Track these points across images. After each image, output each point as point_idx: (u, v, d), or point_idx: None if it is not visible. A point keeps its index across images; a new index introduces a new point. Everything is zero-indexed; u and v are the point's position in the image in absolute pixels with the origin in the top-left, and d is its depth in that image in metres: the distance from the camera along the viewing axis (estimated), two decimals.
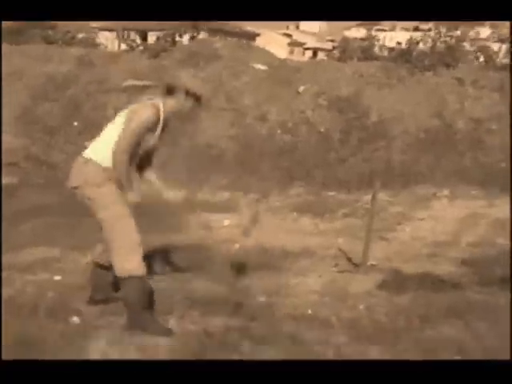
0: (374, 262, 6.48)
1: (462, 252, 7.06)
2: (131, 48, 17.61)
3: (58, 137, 13.31)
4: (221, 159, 12.63)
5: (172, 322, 4.32)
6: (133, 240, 4.26)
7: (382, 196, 9.74)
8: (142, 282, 4.26)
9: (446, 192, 10.77)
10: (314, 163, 12.11)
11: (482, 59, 14.51)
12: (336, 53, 17.53)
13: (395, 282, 5.45)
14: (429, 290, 5.10)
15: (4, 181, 11.17)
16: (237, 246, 7.58)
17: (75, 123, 13.60)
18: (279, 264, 6.49)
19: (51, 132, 13.41)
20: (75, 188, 4.39)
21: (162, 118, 4.34)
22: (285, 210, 10.10)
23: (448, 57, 14.68)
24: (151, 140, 4.44)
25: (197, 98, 4.42)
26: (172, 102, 4.36)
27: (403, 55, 15.42)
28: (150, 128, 4.32)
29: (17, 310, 4.31)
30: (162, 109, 4.33)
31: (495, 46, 14.71)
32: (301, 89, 13.90)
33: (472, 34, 15.49)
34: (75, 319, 4.34)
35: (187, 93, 4.38)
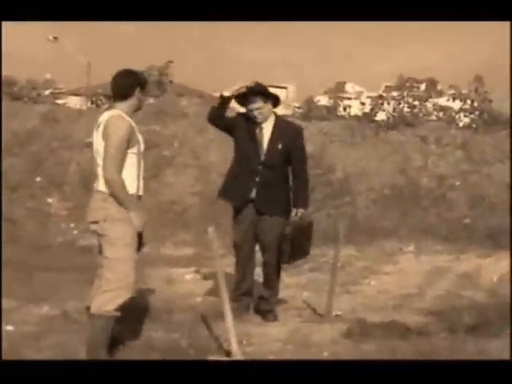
0: (338, 313, 6.35)
1: (429, 303, 6.98)
2: (97, 106, 17.56)
3: (20, 192, 13.07)
4: (185, 215, 12.49)
5: None
6: (126, 283, 4.22)
7: (348, 251, 9.68)
8: (112, 323, 4.18)
9: (411, 247, 10.75)
10: None
11: (443, 118, 14.78)
12: (300, 111, 17.68)
13: (360, 330, 5.32)
14: (394, 338, 5.00)
15: None
16: (199, 299, 7.41)
17: (38, 178, 13.40)
18: (241, 315, 6.30)
19: (13, 187, 13.16)
20: (94, 223, 4.32)
21: (132, 124, 4.36)
22: None
23: (410, 116, 14.93)
24: (140, 145, 4.40)
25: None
26: (128, 104, 4.43)
27: (367, 116, 15.63)
28: (129, 138, 4.29)
29: None
30: (126, 116, 4.34)
31: (456, 105, 15.02)
32: None
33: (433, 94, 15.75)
34: None
35: (142, 87, 4.48)
